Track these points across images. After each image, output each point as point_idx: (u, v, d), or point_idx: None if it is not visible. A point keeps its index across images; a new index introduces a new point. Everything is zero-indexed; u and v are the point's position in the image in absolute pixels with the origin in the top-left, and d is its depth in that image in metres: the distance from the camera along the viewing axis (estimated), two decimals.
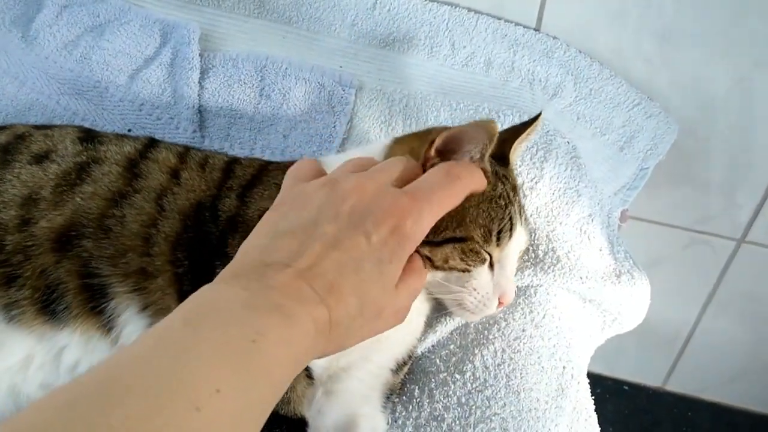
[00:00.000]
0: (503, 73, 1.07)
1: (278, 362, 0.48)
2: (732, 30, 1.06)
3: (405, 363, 0.78)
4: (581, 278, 0.86)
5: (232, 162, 0.82)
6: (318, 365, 0.70)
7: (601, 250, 0.89)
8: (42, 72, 1.07)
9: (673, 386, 1.70)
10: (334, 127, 1.02)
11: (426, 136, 0.71)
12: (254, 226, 0.60)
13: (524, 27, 1.09)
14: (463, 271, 0.70)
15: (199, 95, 1.04)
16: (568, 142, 0.96)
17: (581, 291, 0.88)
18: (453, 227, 0.69)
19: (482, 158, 0.69)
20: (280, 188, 0.65)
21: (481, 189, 0.66)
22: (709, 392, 1.68)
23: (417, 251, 0.62)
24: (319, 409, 0.72)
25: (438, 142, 0.67)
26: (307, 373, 0.68)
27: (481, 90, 1.06)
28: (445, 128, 0.69)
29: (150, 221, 0.73)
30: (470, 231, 0.69)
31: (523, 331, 0.81)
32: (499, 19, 1.09)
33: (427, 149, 0.67)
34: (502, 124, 0.98)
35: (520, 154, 0.84)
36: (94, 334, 0.71)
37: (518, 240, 0.74)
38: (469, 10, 1.09)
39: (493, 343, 0.80)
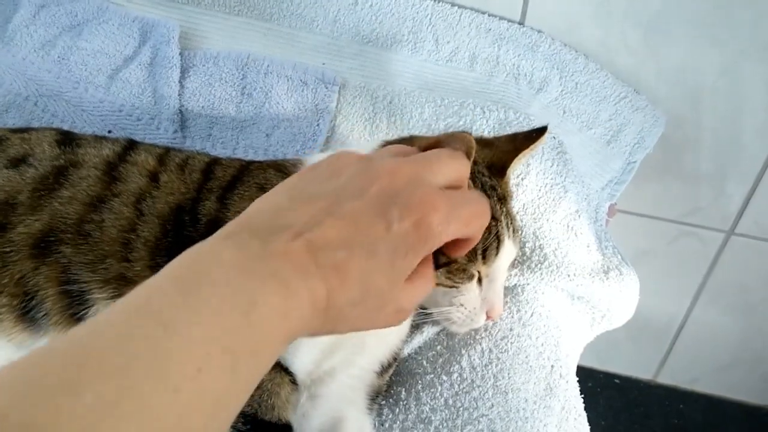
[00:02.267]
0: (488, 68, 1.06)
1: (268, 338, 0.45)
2: (717, 20, 1.05)
3: (390, 365, 0.77)
4: (569, 276, 0.85)
5: (212, 163, 0.81)
6: (301, 371, 0.68)
7: (588, 246, 0.88)
8: (19, 73, 1.05)
9: (665, 379, 1.69)
10: (318, 125, 1.01)
11: (409, 143, 0.69)
12: None
13: (508, 21, 1.08)
14: (451, 287, 0.70)
15: (179, 95, 1.02)
16: (554, 138, 0.95)
17: (569, 288, 0.87)
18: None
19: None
20: (261, 189, 0.63)
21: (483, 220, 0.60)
22: (700, 384, 1.68)
23: None
24: (304, 413, 0.71)
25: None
26: (291, 378, 0.67)
27: (466, 85, 1.05)
28: (426, 139, 0.67)
29: (129, 226, 0.72)
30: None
31: (511, 330, 0.80)
32: (483, 13, 1.08)
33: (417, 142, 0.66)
34: (488, 120, 0.97)
35: (519, 166, 0.83)
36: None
37: (507, 253, 0.74)
38: (453, 4, 1.07)
39: (480, 344, 0.79)
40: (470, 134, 0.61)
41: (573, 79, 1.06)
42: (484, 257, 0.71)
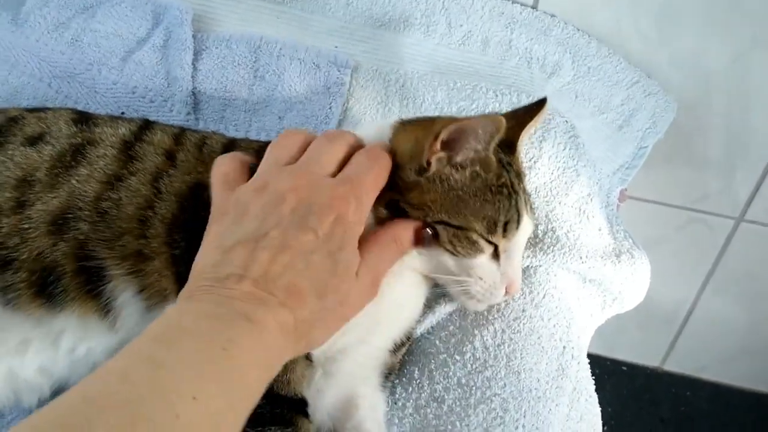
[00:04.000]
0: (500, 51, 1.05)
1: (250, 366, 0.51)
2: (730, 6, 1.05)
3: (403, 344, 0.78)
4: (581, 258, 0.85)
5: (230, 144, 0.81)
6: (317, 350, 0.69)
7: (600, 229, 0.88)
8: (33, 55, 1.05)
9: (672, 366, 1.70)
10: (330, 108, 1.01)
11: (431, 126, 0.71)
12: None
13: (521, 5, 1.08)
14: (452, 253, 0.70)
15: (192, 77, 1.02)
16: (566, 121, 0.96)
17: (581, 271, 0.87)
18: (447, 213, 0.70)
19: (487, 149, 0.70)
20: None
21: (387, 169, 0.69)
22: (707, 372, 1.68)
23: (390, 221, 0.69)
24: (319, 389, 0.72)
25: (444, 134, 0.68)
26: (307, 354, 0.67)
27: (479, 69, 1.05)
28: (452, 120, 0.69)
29: (146, 204, 0.72)
30: (470, 222, 0.70)
31: (523, 311, 0.80)
32: None
33: (432, 141, 0.68)
34: (500, 104, 0.97)
35: (525, 140, 0.83)
36: (92, 317, 0.70)
37: (525, 229, 0.75)
38: None
39: (493, 324, 0.79)
40: (502, 117, 0.67)
41: (585, 63, 1.06)
42: (504, 230, 0.71)
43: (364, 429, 0.71)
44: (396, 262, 0.68)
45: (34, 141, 0.77)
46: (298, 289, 0.56)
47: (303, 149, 0.67)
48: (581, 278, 0.89)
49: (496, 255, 0.72)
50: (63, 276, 0.70)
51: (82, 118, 0.82)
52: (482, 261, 0.71)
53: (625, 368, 1.71)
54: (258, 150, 0.78)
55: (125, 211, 0.72)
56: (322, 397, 0.71)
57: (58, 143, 0.76)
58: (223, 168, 0.68)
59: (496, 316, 0.80)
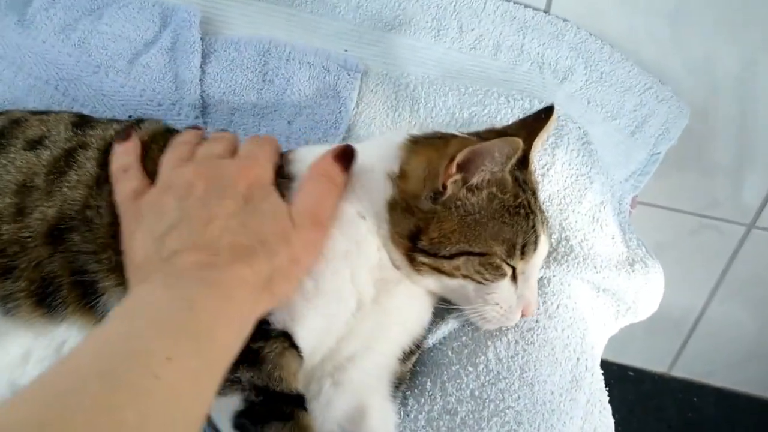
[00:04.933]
0: (512, 56, 1.04)
1: (220, 325, 0.53)
2: (742, 12, 1.04)
3: (413, 352, 0.76)
4: (595, 268, 0.84)
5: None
6: (306, 345, 0.67)
7: (613, 238, 0.87)
8: (39, 57, 1.04)
9: (679, 372, 1.69)
10: (340, 112, 1.00)
11: (444, 148, 0.71)
12: None
13: (533, 9, 1.06)
14: (479, 282, 0.71)
15: (200, 80, 1.01)
16: (579, 128, 0.94)
17: (595, 281, 0.86)
18: (467, 241, 0.69)
19: (503, 170, 0.70)
20: None
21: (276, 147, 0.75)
22: (714, 377, 1.68)
23: (416, 259, 0.70)
24: (328, 400, 0.70)
25: (459, 158, 0.68)
26: (298, 352, 0.66)
27: (490, 74, 1.04)
28: (465, 142, 0.70)
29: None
30: (491, 246, 0.70)
31: (537, 322, 0.79)
32: (508, 0, 1.06)
33: (447, 164, 0.68)
34: (512, 109, 0.96)
35: (538, 149, 0.83)
36: (92, 329, 0.68)
37: (542, 249, 0.75)
38: None
39: (506, 335, 0.78)
40: (519, 140, 0.67)
41: (598, 68, 1.05)
42: (523, 254, 0.71)
43: None
44: (336, 198, 0.70)
45: (34, 145, 0.75)
46: (241, 245, 0.59)
47: (194, 148, 0.72)
48: (595, 288, 0.88)
49: (513, 277, 0.72)
50: (61, 287, 0.68)
51: (82, 122, 0.81)
52: (502, 285, 0.71)
53: (632, 374, 1.71)
54: None
55: (106, 220, 0.70)
56: (332, 409, 0.70)
57: (55, 148, 0.75)
58: (127, 184, 0.70)
59: (509, 327, 0.79)
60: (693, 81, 1.12)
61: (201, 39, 1.03)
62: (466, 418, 0.72)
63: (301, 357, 0.67)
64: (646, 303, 0.90)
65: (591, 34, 1.06)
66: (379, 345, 0.74)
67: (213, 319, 0.52)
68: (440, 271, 0.70)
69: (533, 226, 0.72)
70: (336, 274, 0.69)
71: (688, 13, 1.05)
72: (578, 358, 0.79)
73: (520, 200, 0.71)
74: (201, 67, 1.01)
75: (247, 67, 1.02)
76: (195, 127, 0.79)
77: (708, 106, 1.16)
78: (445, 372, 0.77)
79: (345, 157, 0.71)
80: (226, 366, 0.53)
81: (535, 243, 0.72)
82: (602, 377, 0.82)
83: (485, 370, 0.76)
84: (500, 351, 0.77)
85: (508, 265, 0.71)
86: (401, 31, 1.06)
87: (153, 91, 1.01)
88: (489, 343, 0.78)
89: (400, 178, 0.72)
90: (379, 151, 0.75)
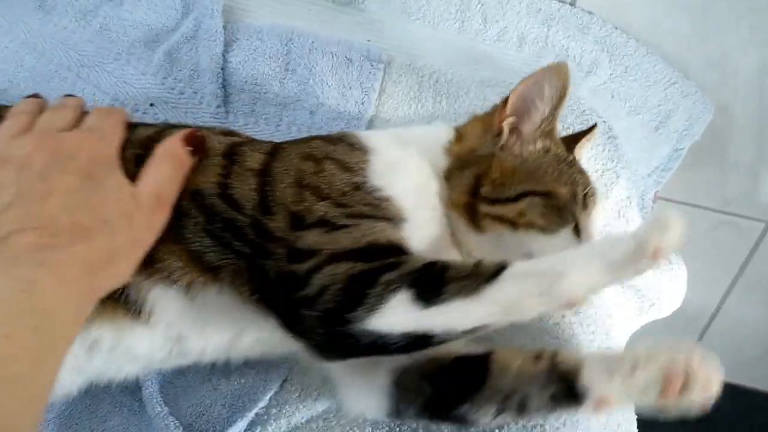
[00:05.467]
0: (537, 48, 1.04)
1: (61, 305, 0.53)
2: (766, 9, 1.03)
3: None
4: None
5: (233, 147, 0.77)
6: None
7: None
8: (61, 43, 1.04)
9: None
10: (362, 103, 0.99)
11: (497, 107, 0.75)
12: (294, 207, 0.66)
13: (559, 1, 1.06)
14: (542, 230, 0.69)
15: (222, 69, 1.00)
16: (604, 122, 0.94)
17: None
18: (529, 179, 0.71)
19: (554, 114, 0.72)
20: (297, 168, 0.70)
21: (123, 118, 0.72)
22: (730, 374, 1.65)
23: (478, 211, 0.69)
24: None
25: (512, 98, 0.71)
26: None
27: (514, 66, 1.03)
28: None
29: None
30: (554, 187, 0.71)
31: (563, 317, 0.79)
32: None
33: (501, 108, 0.72)
34: None
35: (583, 157, 0.84)
36: (124, 320, 0.67)
37: (599, 208, 0.75)
38: None
39: (531, 330, 0.78)
40: (566, 64, 0.69)
41: (623, 62, 1.04)
42: (585, 203, 0.72)
43: None
44: (182, 180, 0.68)
45: None
46: (81, 225, 0.57)
47: (34, 118, 0.69)
48: (619, 284, 0.87)
49: (576, 232, 0.71)
50: None
51: None
52: (565, 234, 0.70)
53: None
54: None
55: None
56: None
57: None
58: None
59: (534, 321, 0.78)
60: (715, 77, 1.11)
61: (223, 27, 1.02)
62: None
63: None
64: (670, 299, 0.90)
65: (616, 28, 1.05)
66: None
67: (55, 301, 0.53)
68: (504, 220, 0.70)
69: (589, 181, 0.73)
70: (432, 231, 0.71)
71: (712, 9, 1.04)
72: None
73: (572, 158, 0.74)
74: (223, 55, 1.01)
75: (270, 57, 1.01)
76: (35, 96, 0.75)
77: (729, 102, 1.15)
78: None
79: (195, 140, 0.70)
80: (69, 344, 0.54)
81: (594, 197, 0.73)
82: None
83: None
84: (526, 345, 0.76)
85: (572, 214, 0.70)
86: (425, 21, 1.06)
87: (174, 79, 1.00)
88: (514, 338, 0.77)
89: (457, 141, 0.75)
90: (435, 130, 0.79)
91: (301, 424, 0.73)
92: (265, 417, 0.74)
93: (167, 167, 0.67)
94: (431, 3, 1.05)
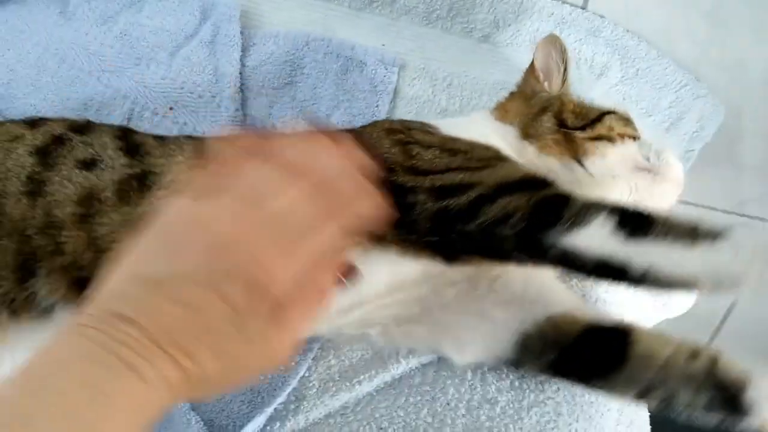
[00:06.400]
0: None
1: (123, 424, 0.44)
2: None
3: None
4: None
5: None
6: None
7: None
8: (82, 48, 1.06)
9: None
10: (377, 106, 1.01)
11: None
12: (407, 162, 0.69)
13: (571, 5, 1.07)
14: (633, 138, 0.79)
15: (240, 73, 1.03)
16: None
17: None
18: (596, 109, 0.83)
19: (565, 77, 0.86)
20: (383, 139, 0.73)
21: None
22: None
23: (575, 139, 0.79)
24: None
25: (536, 63, 0.87)
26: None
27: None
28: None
29: None
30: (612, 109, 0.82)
31: None
32: None
33: (531, 70, 0.86)
34: None
35: None
36: None
37: None
38: None
39: None
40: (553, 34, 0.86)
41: (634, 65, 1.05)
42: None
43: None
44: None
45: (88, 165, 0.73)
46: (192, 353, 0.47)
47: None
48: None
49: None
50: None
51: (129, 146, 0.77)
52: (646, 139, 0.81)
53: None
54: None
55: None
56: None
57: (116, 172, 0.72)
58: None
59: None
60: (726, 79, 1.12)
61: (241, 32, 1.05)
62: (506, 407, 0.73)
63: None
64: (682, 299, 0.91)
65: (627, 31, 1.07)
66: None
67: (120, 419, 0.44)
68: (601, 137, 0.78)
69: None
70: None
71: (725, 11, 1.05)
72: None
73: None
74: (240, 60, 1.03)
75: (286, 61, 1.04)
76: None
77: (740, 104, 1.15)
78: (485, 362, 0.78)
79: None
80: None
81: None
82: None
83: None
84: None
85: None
86: (438, 26, 1.07)
87: (193, 83, 1.02)
88: None
89: (506, 113, 0.86)
90: (475, 116, 0.89)
91: (320, 419, 0.75)
92: (284, 412, 0.76)
93: (314, 310, 0.53)
94: (444, 7, 1.06)
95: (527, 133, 0.81)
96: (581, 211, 0.58)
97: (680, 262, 0.54)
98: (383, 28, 1.09)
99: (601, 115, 0.81)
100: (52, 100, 1.00)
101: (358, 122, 1.00)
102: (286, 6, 1.11)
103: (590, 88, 1.03)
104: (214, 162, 0.52)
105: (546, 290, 0.72)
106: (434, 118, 0.99)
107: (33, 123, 0.78)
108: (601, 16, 1.07)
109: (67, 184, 0.70)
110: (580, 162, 0.78)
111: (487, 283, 0.72)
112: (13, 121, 0.79)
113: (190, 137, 0.80)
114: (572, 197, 0.61)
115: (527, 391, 0.74)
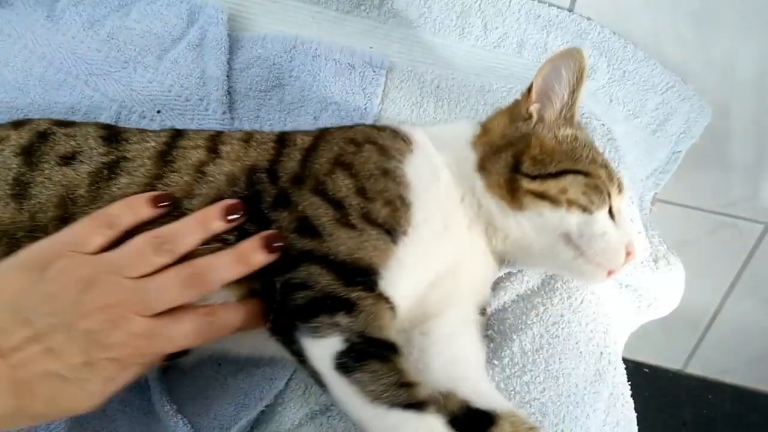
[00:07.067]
0: (536, 54, 1.06)
1: None
2: (765, 13, 1.04)
3: (485, 310, 0.80)
4: None
5: (284, 134, 0.80)
6: (401, 301, 0.70)
7: (639, 233, 0.88)
8: (69, 52, 1.06)
9: (694, 369, 1.70)
10: (365, 108, 1.01)
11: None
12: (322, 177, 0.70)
13: (558, 7, 1.08)
14: (583, 209, 0.71)
15: (227, 76, 1.03)
16: (603, 125, 0.96)
17: (618, 276, 0.87)
18: (569, 159, 0.74)
19: (572, 99, 0.76)
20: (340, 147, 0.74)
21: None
22: (730, 375, 1.68)
23: (520, 187, 0.72)
24: (420, 348, 0.73)
25: (536, 81, 0.75)
26: (390, 306, 0.68)
27: (514, 71, 1.05)
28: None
29: (186, 192, 0.71)
30: (593, 168, 0.73)
31: (561, 316, 0.80)
32: None
33: (526, 95, 0.76)
34: None
35: None
36: None
37: (626, 197, 0.78)
38: None
39: (532, 329, 0.79)
40: (581, 49, 0.73)
41: (621, 67, 1.06)
42: (619, 186, 0.75)
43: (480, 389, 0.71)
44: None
45: (68, 160, 0.74)
46: (34, 394, 0.59)
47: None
48: (617, 284, 0.89)
49: (611, 215, 0.74)
50: None
51: (111, 136, 0.78)
52: (604, 215, 0.72)
53: (647, 370, 1.72)
54: (318, 134, 0.79)
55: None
56: (427, 354, 0.73)
57: (92, 162, 0.74)
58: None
59: (534, 320, 0.80)
60: (714, 80, 1.13)
61: (228, 35, 1.05)
62: None
63: (394, 314, 0.69)
64: (668, 299, 0.92)
65: (614, 33, 1.07)
66: (460, 300, 0.76)
67: None
68: (545, 197, 0.72)
69: (615, 168, 0.77)
70: (436, 254, 0.73)
71: (711, 13, 1.06)
72: (601, 352, 0.80)
73: (596, 145, 0.78)
74: (228, 63, 1.03)
75: (274, 64, 1.04)
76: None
77: (728, 105, 1.16)
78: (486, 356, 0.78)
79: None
80: None
81: (621, 181, 0.76)
82: (624, 371, 0.83)
83: (510, 363, 0.77)
84: (525, 344, 0.78)
85: (608, 194, 0.73)
86: (426, 28, 1.08)
87: (181, 86, 1.02)
88: (515, 337, 0.79)
89: (483, 134, 0.79)
90: (460, 127, 0.83)
91: (306, 420, 0.75)
92: (271, 414, 0.76)
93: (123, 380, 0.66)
94: (432, 10, 1.07)
95: (483, 166, 0.76)
96: (327, 326, 0.63)
97: None
98: (371, 30, 1.09)
99: (564, 172, 0.73)
100: (39, 103, 0.99)
101: (347, 124, 1.00)
102: (274, 9, 1.11)
103: None
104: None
105: (457, 359, 0.73)
106: (422, 119, 1.00)
107: (18, 123, 0.78)
108: (588, 19, 1.07)
109: (48, 185, 0.71)
110: (515, 212, 0.74)
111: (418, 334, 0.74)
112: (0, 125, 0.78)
113: (173, 129, 0.81)
114: (358, 309, 0.64)
115: (513, 392, 0.75)
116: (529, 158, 0.74)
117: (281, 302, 0.66)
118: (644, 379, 1.70)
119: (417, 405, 0.61)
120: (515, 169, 0.74)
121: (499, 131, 0.79)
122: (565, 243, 0.72)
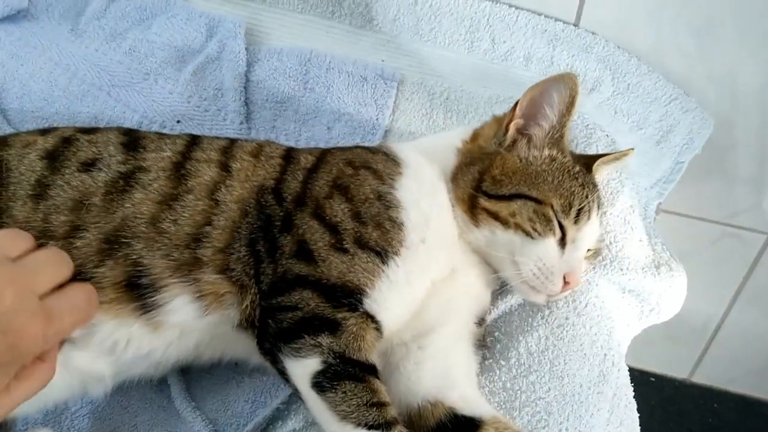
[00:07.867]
0: (542, 67, 1.09)
1: None
2: (767, 25, 1.07)
3: (484, 320, 0.83)
4: (622, 270, 0.88)
5: (291, 150, 0.83)
6: (388, 325, 0.73)
7: (641, 240, 0.91)
8: (92, 64, 1.10)
9: (700, 378, 1.71)
10: (377, 119, 1.05)
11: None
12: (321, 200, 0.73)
13: (564, 22, 1.11)
14: (526, 234, 0.75)
15: (245, 88, 1.07)
16: (607, 135, 0.98)
17: (621, 282, 0.90)
18: (526, 184, 0.76)
19: (562, 122, 0.78)
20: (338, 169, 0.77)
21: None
22: (735, 384, 1.69)
23: (478, 204, 0.76)
24: (416, 361, 0.76)
25: (523, 100, 0.78)
26: (376, 326, 0.71)
27: (521, 84, 1.07)
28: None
29: (205, 219, 0.73)
30: (548, 197, 0.76)
31: (566, 319, 0.83)
32: (540, 14, 1.11)
33: (512, 110, 0.78)
34: None
35: (603, 174, 0.90)
36: (131, 319, 0.71)
37: (593, 225, 0.80)
38: (510, 5, 1.11)
39: (537, 330, 0.82)
40: (574, 75, 0.74)
41: (625, 80, 1.09)
42: (577, 218, 0.77)
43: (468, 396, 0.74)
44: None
45: (88, 167, 0.76)
46: None
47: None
48: (620, 289, 0.91)
49: (563, 243, 0.76)
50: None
51: (131, 142, 0.80)
52: (549, 243, 0.75)
53: (653, 379, 1.73)
54: (320, 154, 0.82)
55: (184, 227, 0.73)
56: (420, 368, 0.76)
57: (110, 171, 0.76)
58: None
59: (540, 322, 0.83)
60: (717, 92, 1.15)
61: (245, 48, 1.09)
62: (498, 408, 0.76)
63: (379, 332, 0.72)
64: (670, 305, 0.94)
65: (618, 47, 1.10)
66: (453, 317, 0.79)
67: None
68: (497, 217, 0.75)
69: (588, 197, 0.77)
70: (430, 268, 0.76)
71: (714, 28, 1.08)
72: (605, 354, 0.82)
73: (578, 169, 0.79)
74: (246, 75, 1.07)
75: (290, 76, 1.08)
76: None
77: (731, 117, 1.18)
78: (478, 366, 0.81)
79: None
80: None
81: (589, 213, 0.77)
82: (628, 374, 0.86)
83: (517, 363, 0.80)
84: (531, 346, 0.81)
85: (560, 224, 0.76)
86: (436, 42, 1.11)
87: (200, 97, 1.06)
88: (521, 338, 0.82)
89: (471, 140, 0.82)
90: (454, 133, 0.86)
91: None
92: (285, 412, 0.79)
93: (33, 387, 0.63)
94: (442, 25, 1.10)
95: (455, 177, 0.80)
96: (310, 347, 0.67)
97: None
98: (383, 44, 1.13)
99: (516, 195, 0.76)
100: (63, 113, 1.04)
101: (359, 134, 1.04)
102: (289, 23, 1.15)
103: (582, 103, 1.06)
104: None
105: (449, 371, 0.76)
106: (432, 130, 1.04)
107: (45, 131, 0.82)
108: (593, 33, 1.10)
109: (66, 189, 0.73)
110: (473, 227, 0.78)
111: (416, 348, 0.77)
112: (28, 132, 0.82)
113: (190, 135, 0.83)
114: (341, 330, 0.68)
115: (519, 392, 0.77)
116: (490, 177, 0.78)
117: (263, 326, 0.70)
118: (650, 388, 1.71)
119: (384, 425, 0.64)
120: (477, 186, 0.77)
121: (481, 141, 0.82)
122: (510, 262, 0.77)
